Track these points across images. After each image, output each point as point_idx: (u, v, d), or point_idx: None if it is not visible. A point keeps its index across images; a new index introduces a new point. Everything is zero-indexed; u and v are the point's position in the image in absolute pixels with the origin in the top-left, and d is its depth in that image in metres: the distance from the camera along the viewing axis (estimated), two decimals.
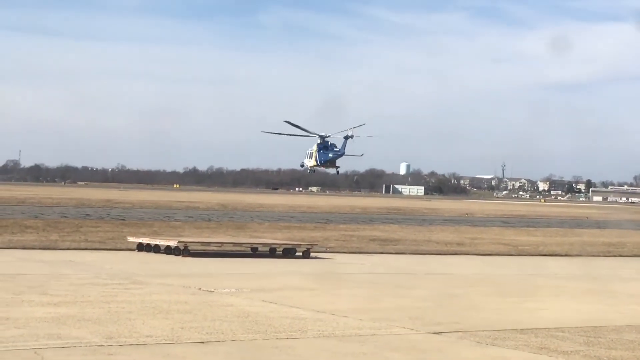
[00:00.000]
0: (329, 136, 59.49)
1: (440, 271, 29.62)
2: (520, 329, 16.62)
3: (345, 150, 59.11)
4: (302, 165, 62.26)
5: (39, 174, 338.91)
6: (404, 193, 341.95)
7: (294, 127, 58.43)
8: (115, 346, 13.32)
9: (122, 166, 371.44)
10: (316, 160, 59.94)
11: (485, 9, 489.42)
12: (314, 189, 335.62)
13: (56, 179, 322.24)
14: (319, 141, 59.52)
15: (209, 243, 32.92)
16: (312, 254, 32.47)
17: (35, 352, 12.59)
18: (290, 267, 28.18)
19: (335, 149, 59.31)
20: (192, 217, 63.88)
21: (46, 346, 13.07)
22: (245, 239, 38.12)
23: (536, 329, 16.78)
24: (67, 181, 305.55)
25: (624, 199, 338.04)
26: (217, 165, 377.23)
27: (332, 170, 61.98)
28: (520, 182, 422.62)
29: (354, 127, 58.38)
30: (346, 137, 58.79)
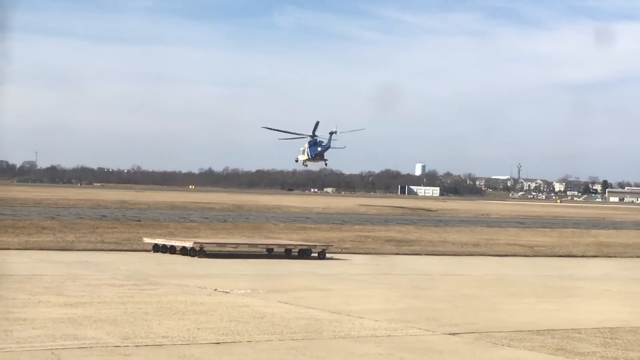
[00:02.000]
0: (317, 136, 71.22)
1: (456, 272, 29.56)
2: (537, 330, 16.57)
3: (331, 144, 70.51)
4: (296, 160, 73.83)
5: (55, 176, 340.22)
6: (420, 194, 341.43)
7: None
8: (131, 347, 13.35)
9: (138, 167, 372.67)
10: (307, 155, 71.92)
11: (500, 9, 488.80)
12: (329, 190, 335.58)
13: (72, 181, 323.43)
14: (309, 139, 71.20)
15: (224, 244, 32.96)
16: (327, 255, 32.47)
17: (52, 353, 12.64)
18: (306, 268, 28.18)
19: (322, 144, 71.01)
20: (207, 218, 63.98)
21: (63, 347, 13.11)
22: (261, 239, 38.15)
23: (553, 330, 16.72)
24: (83, 182, 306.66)
25: None
26: (232, 166, 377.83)
27: (321, 164, 72.98)
28: (536, 183, 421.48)
29: (354, 130, 70.50)
30: (331, 133, 70.58)
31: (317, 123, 72.21)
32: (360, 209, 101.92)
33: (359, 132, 70.96)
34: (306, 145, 71.58)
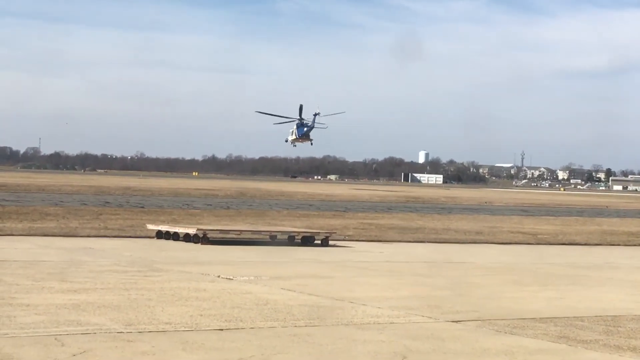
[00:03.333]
0: (304, 118, 79.47)
1: (459, 260, 29.57)
2: (540, 318, 16.58)
3: (315, 125, 78.98)
4: (286, 140, 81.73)
5: (58, 162, 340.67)
6: (423, 181, 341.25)
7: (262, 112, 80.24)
8: (134, 333, 13.38)
9: (142, 154, 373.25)
10: (295, 135, 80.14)
11: None
12: (333, 177, 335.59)
13: (76, 167, 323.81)
14: (297, 122, 79.49)
15: (227, 231, 32.97)
16: (330, 242, 32.48)
17: (55, 339, 12.66)
18: (309, 255, 28.20)
19: (308, 125, 79.05)
20: (210, 204, 64.02)
21: (66, 332, 13.14)
22: (264, 226, 38.17)
23: (555, 317, 16.73)
24: (86, 169, 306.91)
25: None
26: (235, 153, 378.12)
27: (307, 143, 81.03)
28: (540, 171, 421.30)
29: (334, 114, 80.00)
30: (315, 114, 78.75)
31: (301, 106, 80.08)
32: (364, 197, 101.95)
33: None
34: (295, 127, 79.85)
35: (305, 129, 79.78)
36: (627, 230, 51.18)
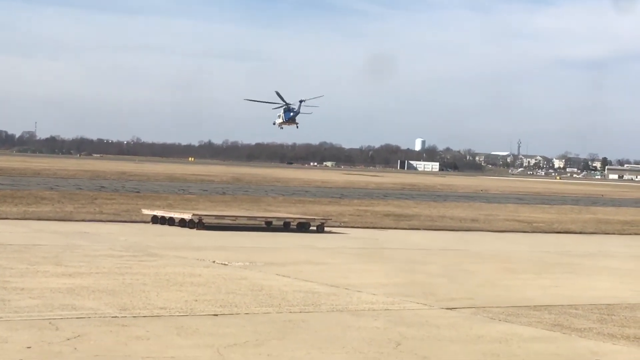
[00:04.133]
0: (290, 103, 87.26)
1: (454, 247, 29.61)
2: (534, 306, 16.60)
3: (300, 110, 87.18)
4: (273, 123, 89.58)
5: (54, 146, 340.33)
6: (419, 169, 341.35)
7: (278, 97, 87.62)
8: (129, 317, 13.37)
9: (138, 139, 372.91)
10: (282, 119, 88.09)
11: None
12: (329, 164, 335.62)
13: (71, 151, 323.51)
14: (285, 107, 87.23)
15: (223, 216, 32.96)
16: (326, 229, 32.49)
17: (49, 322, 12.66)
18: (304, 241, 28.21)
19: (294, 110, 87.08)
20: (206, 190, 64.00)
21: (61, 317, 13.13)
22: (260, 212, 38.18)
23: (550, 305, 16.76)
24: (82, 153, 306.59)
25: None
26: (232, 139, 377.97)
27: (293, 126, 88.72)
28: (536, 159, 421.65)
29: (315, 97, 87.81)
30: (300, 101, 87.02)
31: (277, 92, 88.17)
32: (360, 183, 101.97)
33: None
34: (282, 111, 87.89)
35: (291, 113, 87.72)
36: (622, 219, 51.25)
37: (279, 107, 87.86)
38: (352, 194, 70.22)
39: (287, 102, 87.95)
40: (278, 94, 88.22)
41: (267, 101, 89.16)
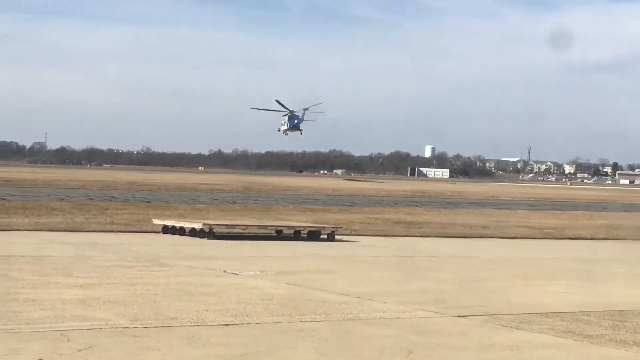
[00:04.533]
0: (294, 111, 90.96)
1: (465, 254, 29.54)
2: (546, 313, 16.55)
3: (305, 118, 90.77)
4: (278, 130, 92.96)
5: (64, 157, 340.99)
6: (429, 176, 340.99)
7: (279, 105, 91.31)
8: (140, 328, 13.38)
9: (148, 149, 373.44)
10: (287, 126, 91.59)
11: None
12: (339, 171, 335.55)
13: (82, 162, 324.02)
14: (289, 114, 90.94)
15: (233, 226, 32.96)
16: (336, 237, 32.46)
17: (61, 334, 12.67)
18: (315, 250, 28.19)
19: (298, 117, 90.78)
20: (216, 199, 64.05)
21: (72, 328, 13.14)
22: (270, 221, 38.17)
23: (561, 312, 16.70)
24: (92, 164, 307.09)
25: None
26: (242, 147, 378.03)
27: (297, 133, 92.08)
28: (546, 165, 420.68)
29: (316, 104, 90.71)
30: (304, 109, 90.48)
31: (278, 100, 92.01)
32: (371, 191, 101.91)
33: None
34: (286, 118, 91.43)
35: (295, 121, 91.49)
36: (634, 224, 51.07)
37: (285, 115, 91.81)
38: (363, 202, 70.17)
39: (291, 109, 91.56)
40: (279, 102, 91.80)
41: (273, 109, 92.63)
